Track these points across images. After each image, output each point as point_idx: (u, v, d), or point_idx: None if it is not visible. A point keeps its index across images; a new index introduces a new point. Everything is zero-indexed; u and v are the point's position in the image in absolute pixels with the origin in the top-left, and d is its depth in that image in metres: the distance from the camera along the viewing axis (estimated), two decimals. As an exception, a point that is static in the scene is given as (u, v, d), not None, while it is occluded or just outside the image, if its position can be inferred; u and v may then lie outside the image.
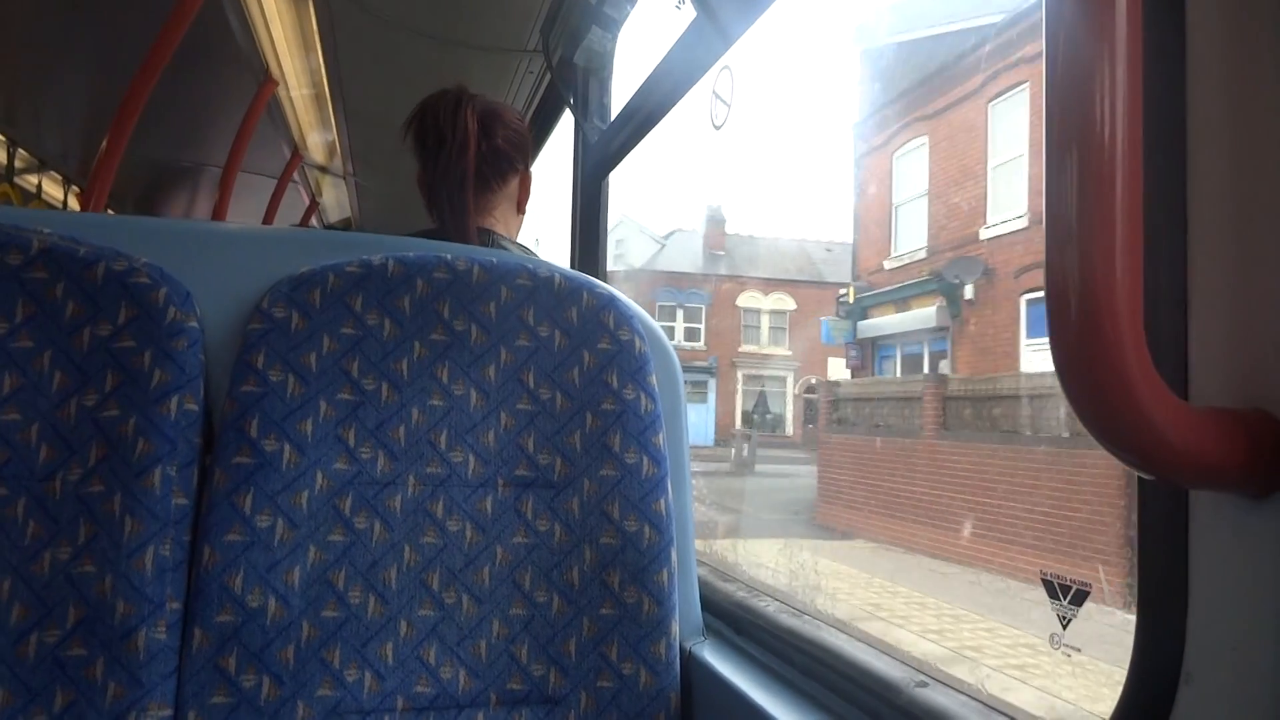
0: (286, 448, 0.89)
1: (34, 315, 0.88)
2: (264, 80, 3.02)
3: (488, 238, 1.44)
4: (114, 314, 0.88)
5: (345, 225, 5.71)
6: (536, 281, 0.99)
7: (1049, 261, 0.42)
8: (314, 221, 5.51)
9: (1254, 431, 0.42)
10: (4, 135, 3.84)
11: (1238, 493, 0.44)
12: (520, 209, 1.56)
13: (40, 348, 0.87)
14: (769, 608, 1.01)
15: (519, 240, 1.56)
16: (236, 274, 0.96)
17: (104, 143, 2.34)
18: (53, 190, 4.89)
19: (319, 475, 0.90)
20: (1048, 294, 0.42)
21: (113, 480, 0.85)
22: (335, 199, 5.15)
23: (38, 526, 0.84)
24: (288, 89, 3.17)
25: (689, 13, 1.44)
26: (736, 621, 1.05)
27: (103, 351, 0.88)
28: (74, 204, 4.92)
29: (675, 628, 0.95)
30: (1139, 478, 0.49)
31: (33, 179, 4.51)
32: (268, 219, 4.48)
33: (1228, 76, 0.47)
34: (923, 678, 0.74)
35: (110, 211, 5.48)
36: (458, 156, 1.40)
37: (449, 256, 0.98)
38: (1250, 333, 0.45)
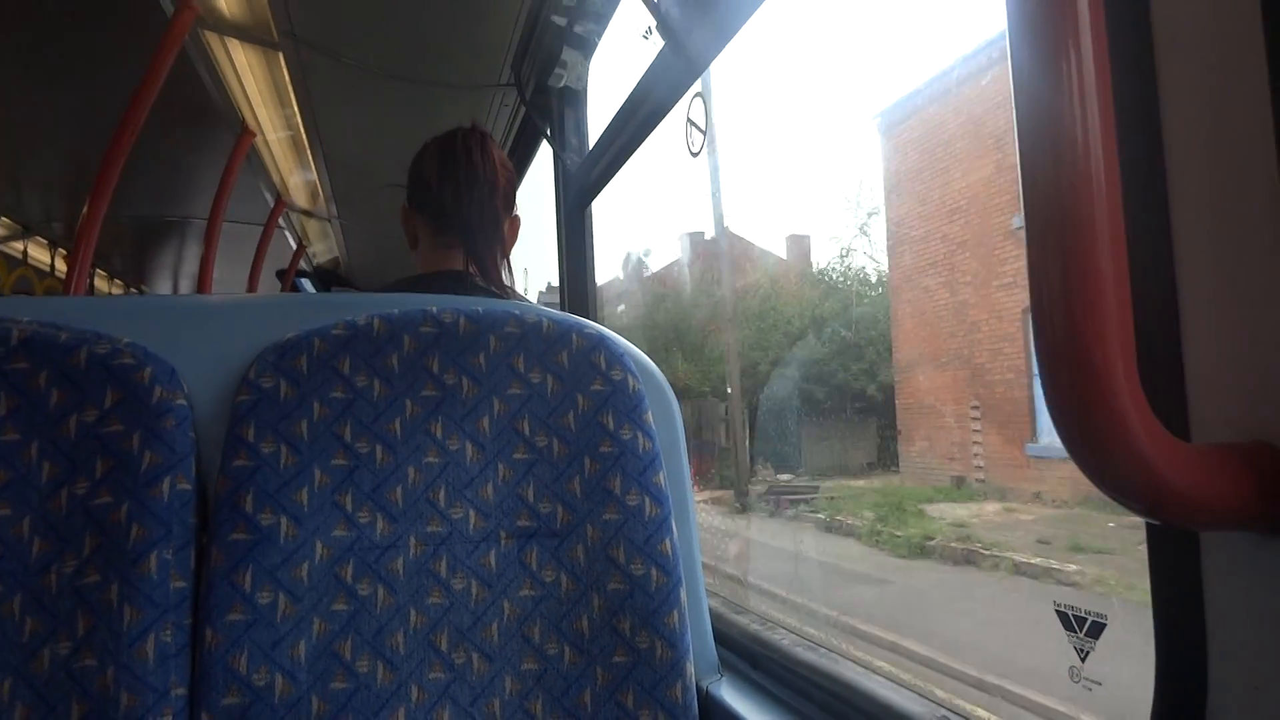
0: (283, 520, 0.88)
1: (18, 407, 0.87)
2: (241, 132, 3.02)
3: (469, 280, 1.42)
4: (100, 398, 0.87)
5: (333, 265, 5.71)
6: (524, 328, 0.98)
7: (1035, 303, 0.41)
8: (301, 264, 5.50)
9: (1259, 466, 0.41)
10: (-14, 204, 3.84)
11: (1249, 530, 0.43)
12: (505, 252, 1.54)
13: (27, 439, 0.86)
14: (784, 641, 1.00)
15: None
16: (221, 346, 0.95)
17: (86, 204, 2.33)
18: (39, 254, 4.89)
19: (318, 545, 0.89)
20: (1037, 338, 0.41)
21: (108, 569, 0.83)
22: (322, 241, 5.15)
23: (35, 622, 0.82)
24: (265, 138, 3.17)
25: (658, 42, 1.44)
26: (752, 656, 1.04)
27: (91, 438, 0.87)
28: (61, 265, 4.92)
29: (690, 669, 0.93)
30: (1146, 524, 0.48)
31: (18, 245, 4.51)
32: (255, 266, 4.48)
33: (1206, 98, 0.47)
34: (944, 713, 0.73)
35: (98, 271, 5.48)
36: (490, 194, 1.40)
37: (434, 310, 0.97)
38: (1247, 365, 0.44)
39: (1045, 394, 0.40)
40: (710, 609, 1.06)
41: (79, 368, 0.88)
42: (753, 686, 0.99)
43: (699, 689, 0.96)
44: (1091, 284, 0.38)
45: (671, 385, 1.07)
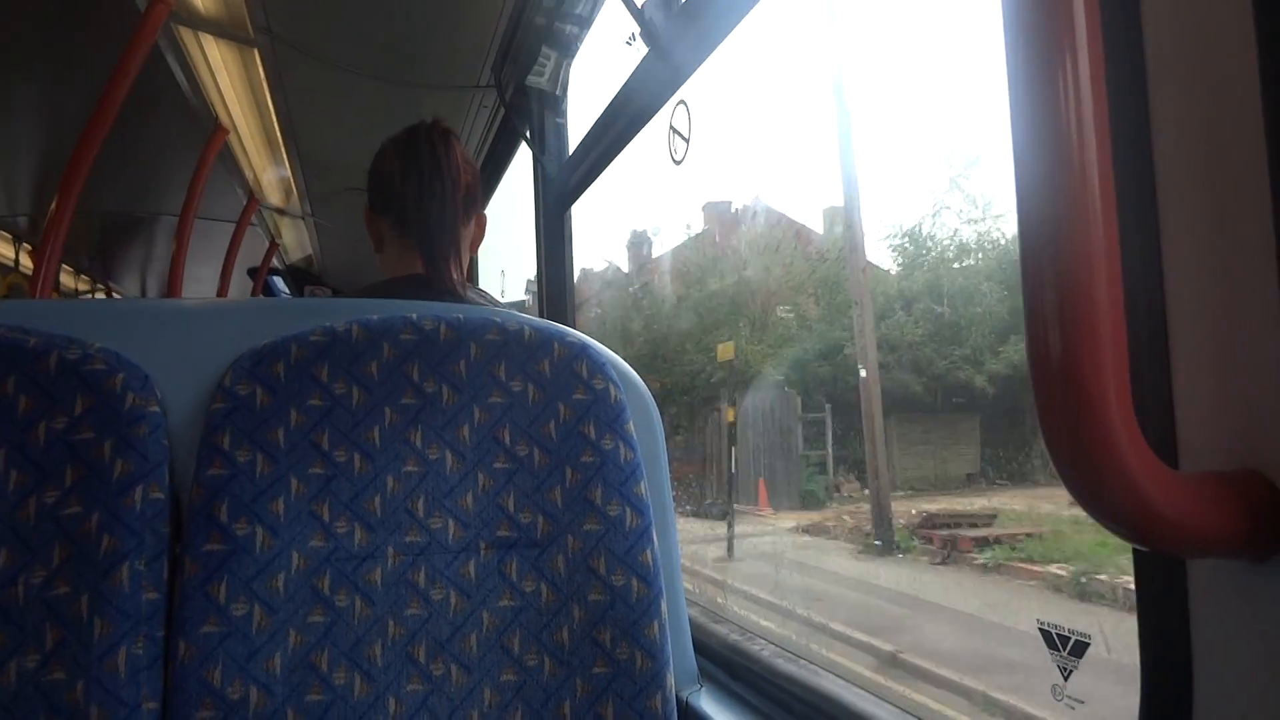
0: (259, 530, 0.86)
1: None
2: (214, 129, 2.98)
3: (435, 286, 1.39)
4: (70, 405, 0.85)
5: (306, 264, 5.65)
6: (506, 335, 0.97)
7: (1030, 329, 0.41)
8: (275, 261, 5.44)
9: (1247, 495, 0.41)
10: (-51, 198, 3.76)
11: (1237, 558, 0.43)
12: (473, 249, 1.51)
13: None
14: (764, 652, 1.00)
15: (481, 283, 1.54)
16: (196, 352, 0.93)
17: (55, 200, 2.29)
18: (3, 250, 4.79)
19: (294, 555, 0.87)
20: (1031, 364, 0.41)
21: (78, 581, 0.81)
22: (295, 238, 5.10)
23: (1, 636, 0.80)
24: (239, 135, 3.13)
25: (641, 49, 1.44)
26: (731, 666, 1.03)
27: (60, 445, 0.85)
28: (26, 261, 4.82)
29: (670, 680, 0.93)
30: (1134, 550, 0.48)
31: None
32: (228, 264, 4.42)
33: (1199, 124, 0.47)
34: (925, 730, 0.74)
35: (66, 267, 5.38)
36: (452, 191, 1.35)
37: (414, 317, 0.96)
38: (1236, 393, 0.44)
39: (1039, 416, 0.40)
40: (690, 618, 1.06)
41: (48, 373, 0.86)
42: (732, 697, 0.99)
43: (678, 699, 0.96)
44: (1086, 308, 0.39)
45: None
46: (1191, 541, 0.41)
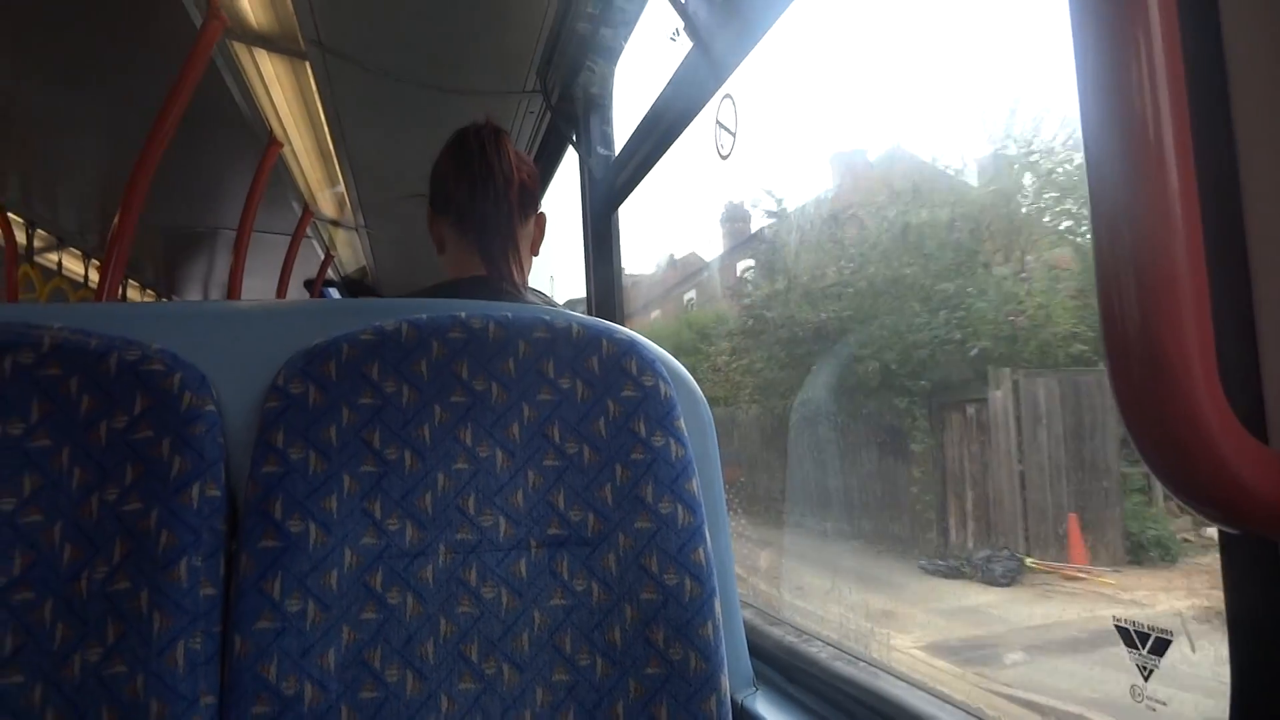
0: (312, 527, 0.87)
1: (50, 413, 0.86)
2: (269, 142, 3.04)
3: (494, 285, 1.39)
4: (129, 405, 0.87)
5: (361, 275, 5.74)
6: (554, 333, 0.97)
7: (1104, 302, 0.38)
8: (330, 273, 5.54)
9: (1347, 472, 0.38)
10: (21, 217, 3.89)
11: (1336, 541, 0.40)
12: (535, 250, 1.52)
13: (58, 446, 0.86)
14: (821, 654, 0.97)
15: (531, 284, 1.53)
16: (250, 352, 0.94)
17: (118, 215, 2.36)
18: (73, 265, 4.96)
19: (347, 552, 0.87)
20: (1105, 339, 0.38)
21: (138, 576, 0.83)
22: (349, 250, 5.18)
23: (66, 629, 0.82)
24: (293, 148, 3.19)
25: (685, 45, 1.43)
26: (787, 669, 1.01)
27: (121, 444, 0.86)
28: (94, 276, 4.98)
29: (725, 682, 0.91)
30: (1221, 531, 0.45)
31: (53, 257, 4.57)
32: (284, 276, 4.51)
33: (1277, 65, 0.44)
34: (994, 731, 0.70)
35: (130, 281, 5.55)
36: (504, 189, 1.35)
37: (463, 315, 0.96)
38: None
39: (1115, 391, 0.38)
40: (744, 620, 1.04)
41: (109, 374, 0.87)
42: (788, 700, 0.96)
43: (734, 702, 0.94)
44: (1166, 276, 0.36)
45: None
46: (1286, 523, 0.38)
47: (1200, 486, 0.38)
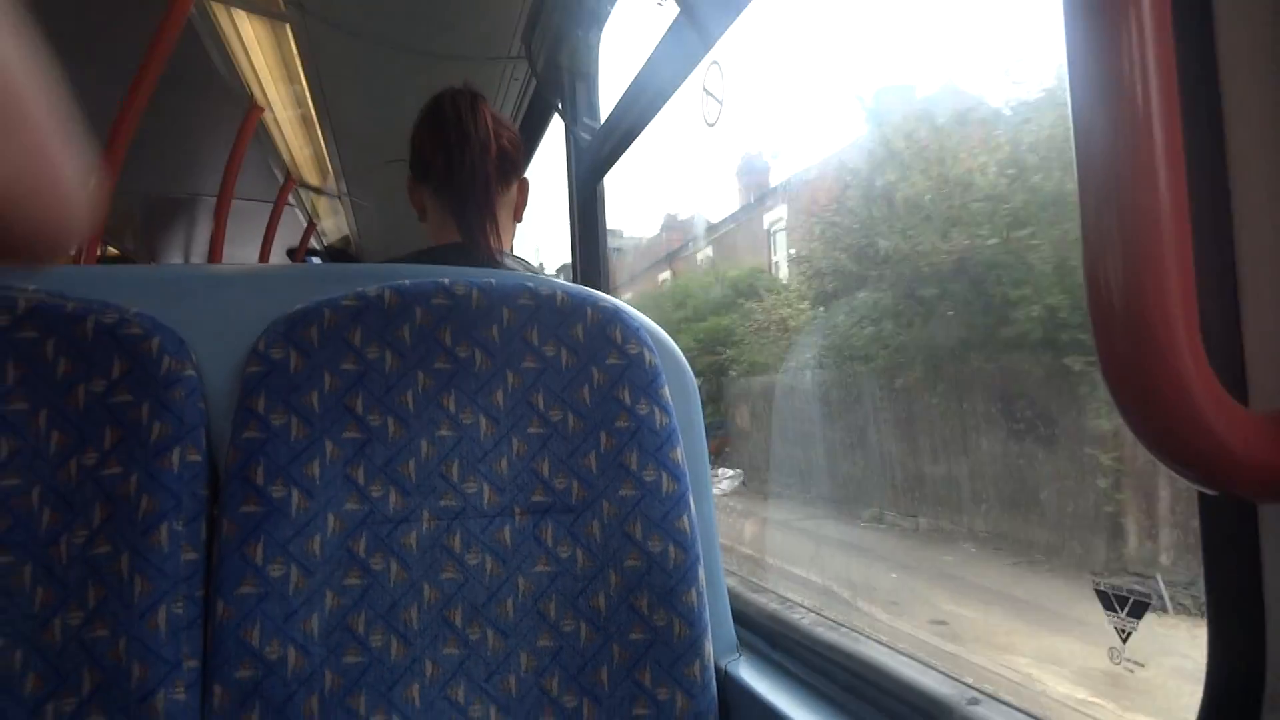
0: (295, 493, 0.86)
1: (26, 375, 0.85)
2: (250, 107, 2.99)
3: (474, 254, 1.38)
4: (107, 368, 0.86)
5: (344, 244, 5.68)
6: (538, 300, 0.96)
7: (1087, 257, 0.38)
8: (312, 242, 5.49)
9: (1326, 434, 0.39)
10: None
11: (1314, 501, 0.41)
12: (518, 216, 1.50)
13: (35, 409, 0.85)
14: (804, 620, 0.98)
15: (515, 251, 1.52)
16: (230, 316, 0.93)
17: (93, 179, 2.32)
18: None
19: (330, 518, 0.87)
20: (1090, 296, 0.38)
21: (119, 540, 0.82)
22: (332, 219, 5.13)
23: (46, 593, 0.81)
24: (274, 114, 3.14)
25: (671, 11, 1.41)
26: (771, 636, 1.02)
27: (99, 408, 0.85)
28: (71, 244, 4.89)
29: (709, 647, 0.92)
30: (1199, 493, 0.45)
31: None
32: (266, 244, 4.46)
33: (1268, 45, 0.44)
34: (974, 694, 0.71)
35: (109, 249, 5.48)
36: (481, 156, 1.32)
37: (446, 282, 0.95)
38: None
39: (1099, 352, 0.38)
40: (729, 588, 1.04)
41: (86, 337, 0.86)
42: (772, 666, 0.97)
43: (718, 668, 0.95)
44: (1149, 234, 0.36)
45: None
46: (1264, 485, 0.38)
47: (1181, 448, 0.38)
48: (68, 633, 0.81)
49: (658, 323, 1.04)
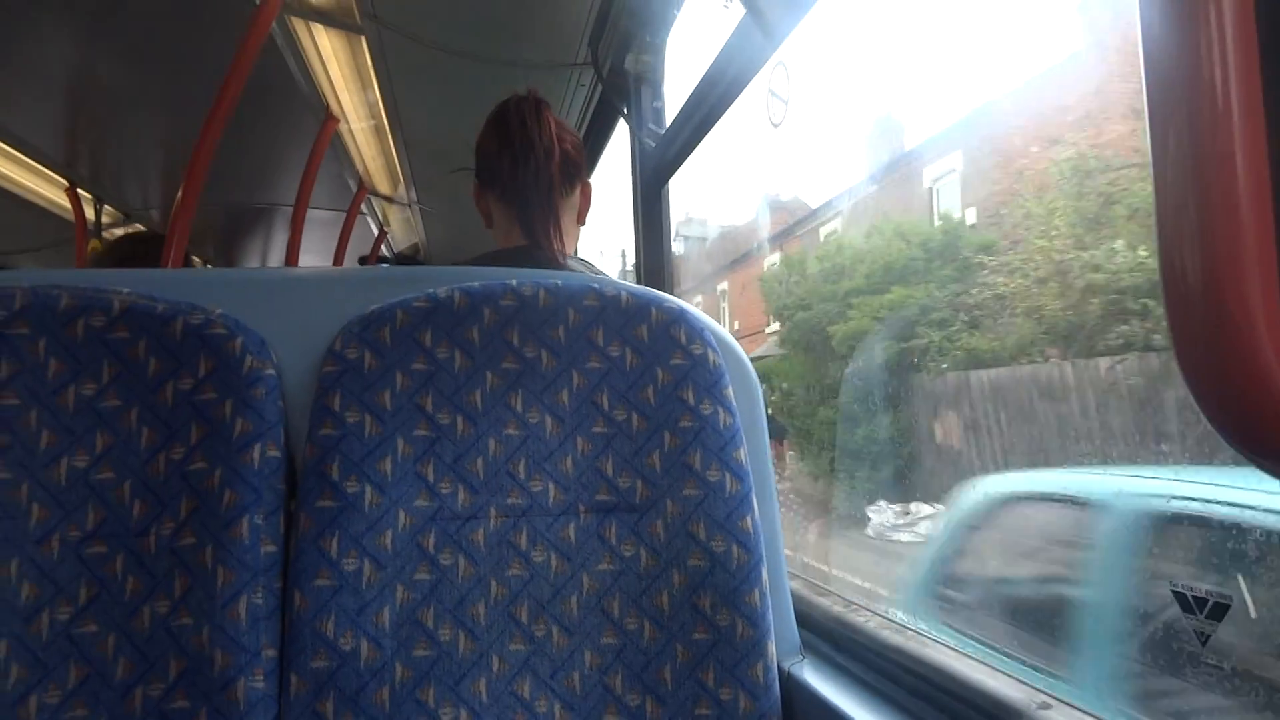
0: (368, 488, 0.89)
1: (120, 374, 0.90)
2: (325, 118, 3.09)
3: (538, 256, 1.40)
4: (194, 367, 0.90)
5: (414, 252, 5.80)
6: (604, 301, 0.97)
7: (1162, 242, 0.38)
8: (383, 250, 5.62)
9: None
10: (90, 194, 4.01)
11: None
12: (581, 220, 1.53)
13: (127, 405, 0.89)
14: (869, 623, 0.97)
15: (580, 255, 1.54)
16: (308, 318, 0.96)
17: (180, 191, 2.41)
18: (138, 241, 5.09)
19: (401, 514, 0.90)
20: (1165, 282, 0.38)
21: (203, 532, 0.86)
22: (402, 226, 5.24)
23: (136, 582, 0.85)
24: (348, 124, 3.23)
25: (737, 11, 1.41)
26: (836, 639, 1.01)
27: (186, 405, 0.89)
28: (159, 252, 5.11)
29: (772, 649, 0.92)
30: None
31: (118, 232, 4.71)
32: (339, 252, 4.58)
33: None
34: (1045, 698, 0.70)
35: (193, 257, 5.70)
36: (545, 161, 1.37)
37: (514, 283, 0.97)
38: None
39: (1174, 340, 0.37)
40: (792, 590, 1.04)
41: (174, 337, 0.90)
42: (836, 669, 0.96)
43: (781, 669, 0.94)
44: (1228, 218, 0.35)
45: None
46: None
47: (1261, 441, 0.37)
48: (156, 620, 0.84)
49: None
